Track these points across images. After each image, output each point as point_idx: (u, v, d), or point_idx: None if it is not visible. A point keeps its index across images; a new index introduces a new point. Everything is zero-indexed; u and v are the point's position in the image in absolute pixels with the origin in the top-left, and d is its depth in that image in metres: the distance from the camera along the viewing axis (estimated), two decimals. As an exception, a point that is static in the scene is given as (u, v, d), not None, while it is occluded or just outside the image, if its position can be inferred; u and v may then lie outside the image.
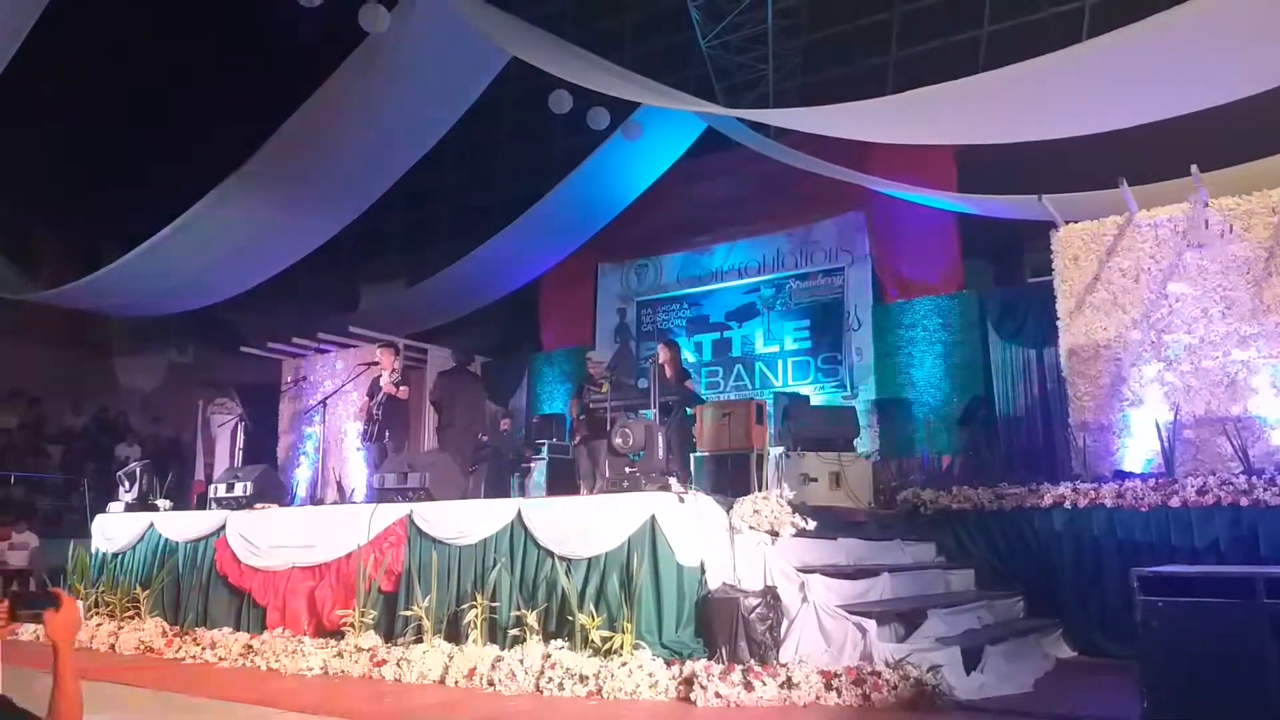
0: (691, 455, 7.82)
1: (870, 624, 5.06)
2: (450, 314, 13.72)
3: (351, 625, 6.27)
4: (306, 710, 4.97)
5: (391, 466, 7.20)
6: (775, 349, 11.70)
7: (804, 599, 5.28)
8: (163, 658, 6.94)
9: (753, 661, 4.95)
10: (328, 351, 13.34)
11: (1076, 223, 8.41)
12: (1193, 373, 7.62)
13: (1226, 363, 7.51)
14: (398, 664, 5.78)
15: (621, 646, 5.19)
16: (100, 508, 8.98)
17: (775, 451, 7.80)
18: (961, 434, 9.42)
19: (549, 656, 5.28)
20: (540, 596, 5.75)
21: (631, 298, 13.13)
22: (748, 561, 5.49)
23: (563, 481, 9.42)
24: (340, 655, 6.07)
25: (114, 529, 8.44)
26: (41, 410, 16.27)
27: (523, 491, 9.46)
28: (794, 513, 5.57)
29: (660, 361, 8.63)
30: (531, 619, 5.60)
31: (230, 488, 7.89)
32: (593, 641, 5.32)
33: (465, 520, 6.25)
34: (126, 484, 8.70)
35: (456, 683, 5.51)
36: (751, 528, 5.51)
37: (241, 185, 10.69)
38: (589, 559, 5.63)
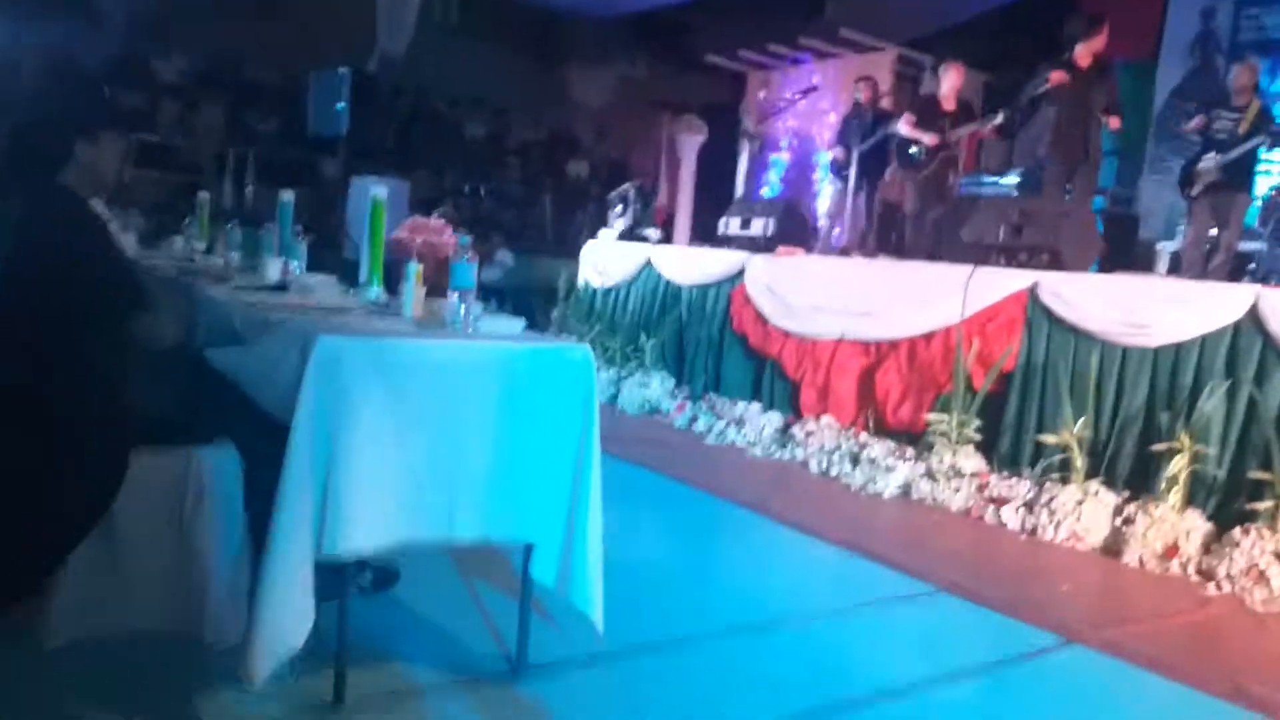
0: None
1: None
2: (956, 13, 10.74)
3: (944, 435, 4.48)
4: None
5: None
6: None
7: None
8: (673, 425, 5.78)
9: None
10: (803, 62, 11.20)
11: None
12: None
13: None
14: (1029, 509, 3.95)
15: None
16: (560, 229, 7.82)
17: None
18: None
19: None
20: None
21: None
22: None
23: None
24: (930, 475, 4.36)
25: (606, 260, 7.25)
26: (508, 120, 16.06)
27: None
28: None
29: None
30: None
31: (745, 224, 6.25)
32: None
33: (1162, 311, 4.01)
34: (620, 207, 7.41)
35: (1144, 563, 3.57)
36: None
37: None
38: None
